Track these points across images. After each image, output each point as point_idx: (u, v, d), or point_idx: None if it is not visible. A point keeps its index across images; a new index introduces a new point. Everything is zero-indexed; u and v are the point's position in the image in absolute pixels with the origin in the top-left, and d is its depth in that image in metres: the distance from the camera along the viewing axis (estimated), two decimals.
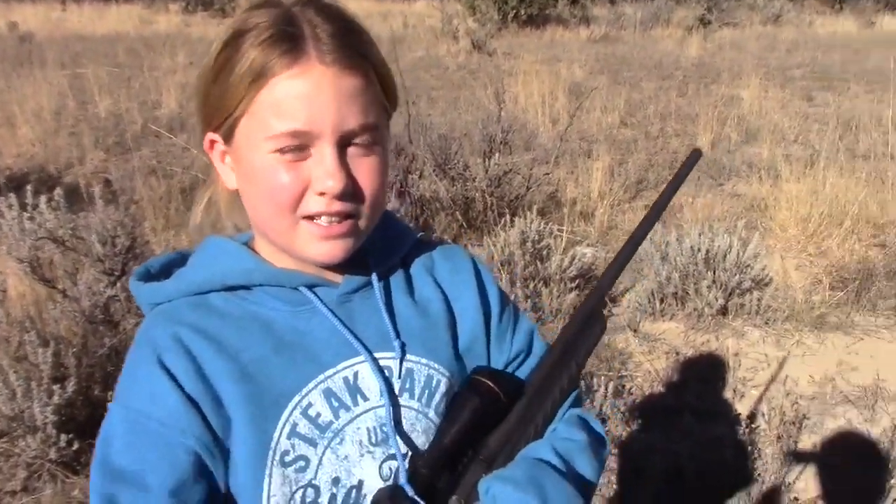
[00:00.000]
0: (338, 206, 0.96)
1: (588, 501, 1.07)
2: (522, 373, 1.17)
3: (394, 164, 5.06)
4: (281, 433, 0.97)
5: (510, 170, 5.71)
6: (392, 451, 1.02)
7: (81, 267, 3.39)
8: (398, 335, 1.06)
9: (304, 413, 0.99)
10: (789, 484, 3.27)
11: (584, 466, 1.08)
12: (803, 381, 4.03)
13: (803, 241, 5.67)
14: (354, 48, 0.96)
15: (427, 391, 1.07)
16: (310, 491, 0.98)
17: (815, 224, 5.70)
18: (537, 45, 16.38)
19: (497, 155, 5.58)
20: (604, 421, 3.45)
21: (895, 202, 6.05)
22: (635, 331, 4.47)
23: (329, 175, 0.93)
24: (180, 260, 1.13)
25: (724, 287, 4.50)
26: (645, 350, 4.26)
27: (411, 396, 1.05)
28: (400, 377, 1.05)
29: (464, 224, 5.38)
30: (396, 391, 1.04)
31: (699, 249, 4.60)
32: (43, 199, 3.40)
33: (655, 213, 1.16)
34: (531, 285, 4.30)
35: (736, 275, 4.49)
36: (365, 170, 0.97)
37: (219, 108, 0.98)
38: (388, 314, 1.07)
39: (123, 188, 5.81)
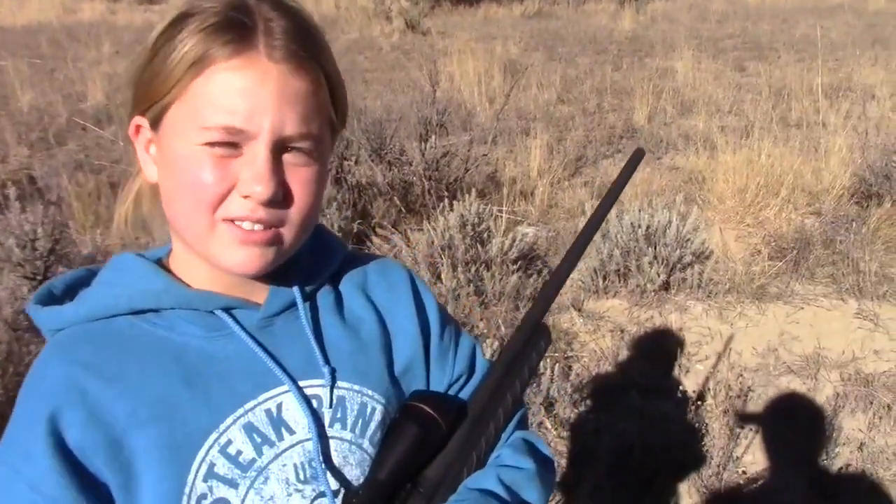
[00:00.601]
0: (262, 213, 0.87)
1: None
2: (465, 394, 1.09)
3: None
4: (196, 475, 0.88)
5: (447, 152, 5.63)
6: (322, 488, 0.94)
7: (1, 272, 3.23)
8: (327, 360, 0.97)
9: (223, 451, 0.89)
10: (737, 458, 3.29)
11: (532, 495, 1.02)
12: (746, 353, 4.06)
13: (741, 212, 5.70)
14: (307, 49, 0.88)
15: (361, 420, 0.98)
16: None
17: (752, 195, 5.74)
18: (471, 22, 16.30)
19: (433, 137, 5.50)
20: (552, 404, 3.42)
21: (829, 170, 6.11)
22: (579, 310, 4.45)
23: (258, 179, 0.85)
24: (87, 278, 1.02)
25: (665, 262, 4.50)
26: (590, 329, 4.24)
27: (343, 427, 0.97)
28: (331, 406, 0.97)
29: (402, 209, 5.29)
30: (327, 422, 0.96)
31: (640, 226, 4.59)
32: None
33: (597, 220, 1.08)
34: (472, 269, 4.24)
35: (677, 249, 4.50)
36: (299, 180, 0.89)
37: (150, 90, 0.89)
38: (315, 337, 0.98)
39: (49, 185, 5.60)
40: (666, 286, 4.53)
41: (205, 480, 0.88)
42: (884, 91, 9.03)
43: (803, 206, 5.71)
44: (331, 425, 0.96)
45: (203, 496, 0.88)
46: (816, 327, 4.26)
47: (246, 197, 0.86)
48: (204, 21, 0.86)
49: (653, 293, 4.48)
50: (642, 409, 3.61)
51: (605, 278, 4.60)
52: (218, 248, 0.89)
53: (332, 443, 0.96)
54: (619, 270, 4.57)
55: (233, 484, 0.90)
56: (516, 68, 10.31)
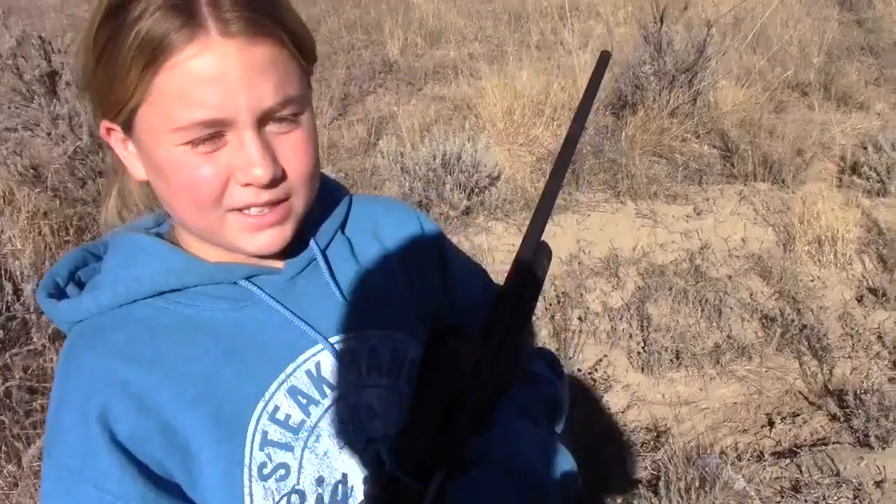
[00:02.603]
0: (267, 195, 0.86)
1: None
2: (480, 318, 1.11)
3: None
4: (252, 446, 0.89)
5: None
6: (370, 435, 0.96)
7: None
8: (354, 312, 0.99)
9: (273, 418, 0.91)
10: (569, 358, 3.56)
11: (543, 417, 1.09)
12: (553, 262, 4.34)
13: (513, 133, 6.02)
14: (260, 11, 0.82)
15: (395, 364, 1.01)
16: (294, 497, 0.91)
17: (520, 116, 6.06)
18: None
19: None
20: None
21: (579, 86, 6.56)
22: None
23: (253, 164, 0.83)
24: (85, 259, 0.99)
25: (463, 188, 4.69)
26: None
27: (380, 374, 0.99)
28: (364, 356, 0.99)
29: None
30: (364, 371, 0.98)
31: (434, 156, 4.73)
32: None
33: (577, 129, 1.10)
34: None
35: (474, 175, 4.69)
36: (292, 147, 0.87)
37: (109, 95, 0.84)
38: (339, 291, 1.00)
39: None
40: (467, 211, 4.73)
41: (261, 449, 0.90)
42: (607, 9, 9.73)
43: (566, 121, 6.10)
44: (368, 374, 0.98)
45: (263, 464, 0.89)
46: (606, 230, 4.65)
47: (246, 185, 0.85)
48: (145, 8, 0.79)
49: (456, 219, 4.67)
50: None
51: None
52: (233, 238, 0.89)
53: (372, 391, 0.98)
54: (421, 201, 4.71)
55: (288, 447, 0.91)
56: None
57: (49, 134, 4.74)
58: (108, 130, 0.90)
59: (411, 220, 1.14)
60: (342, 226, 1.07)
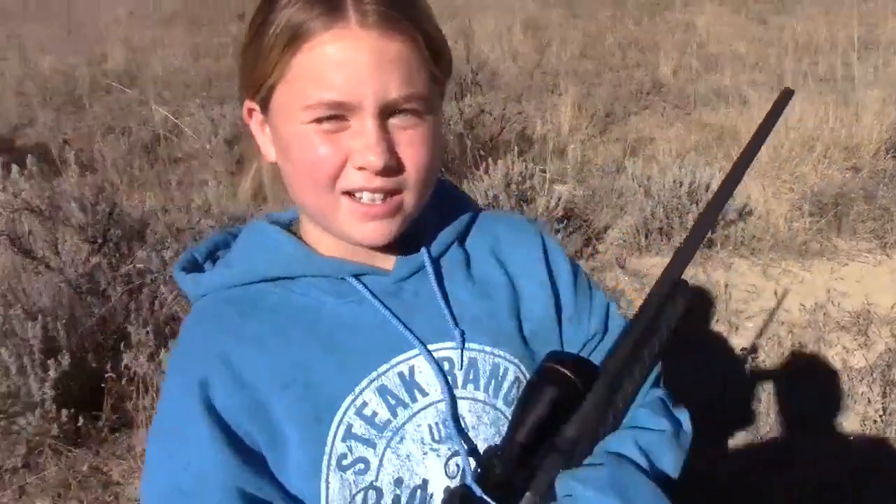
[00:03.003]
0: (379, 182, 0.89)
1: (671, 496, 0.98)
2: (601, 353, 1.04)
3: None
4: (335, 436, 0.91)
5: (482, 110, 5.60)
6: (457, 447, 0.96)
7: (62, 236, 3.24)
8: (457, 323, 0.99)
9: (359, 413, 0.93)
10: (795, 416, 3.30)
11: (667, 460, 0.99)
12: (794, 309, 4.06)
13: (777, 169, 5.67)
14: (399, 9, 0.88)
15: (493, 381, 1.00)
16: (371, 493, 0.93)
17: (787, 151, 5.70)
18: None
19: (469, 96, 5.46)
20: None
21: (861, 124, 6.06)
22: (623, 267, 4.45)
23: (369, 149, 0.86)
24: (226, 241, 1.07)
25: None
26: (636, 287, 4.25)
27: (476, 388, 0.98)
28: (462, 368, 0.98)
29: (441, 170, 5.27)
30: (459, 383, 0.98)
31: (681, 183, 4.57)
32: (15, 168, 3.24)
33: (743, 164, 1.02)
34: None
35: None
36: (410, 142, 0.90)
37: (254, 73, 0.92)
38: (445, 301, 1.00)
39: (83, 149, 5.59)
40: (710, 243, 4.52)
41: (343, 441, 0.91)
42: None
43: (840, 161, 5.66)
44: (463, 386, 0.98)
45: (343, 455, 0.91)
46: (863, 283, 4.26)
47: (360, 168, 0.88)
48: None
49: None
50: (697, 367, 3.62)
51: (647, 236, 4.60)
52: (343, 224, 0.92)
53: (465, 403, 0.98)
54: (661, 228, 4.57)
55: (370, 444, 0.93)
56: (536, 25, 10.21)
57: None
58: (250, 112, 0.97)
59: (535, 244, 1.11)
60: (461, 238, 1.08)
